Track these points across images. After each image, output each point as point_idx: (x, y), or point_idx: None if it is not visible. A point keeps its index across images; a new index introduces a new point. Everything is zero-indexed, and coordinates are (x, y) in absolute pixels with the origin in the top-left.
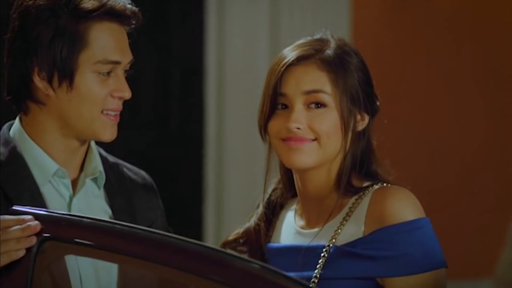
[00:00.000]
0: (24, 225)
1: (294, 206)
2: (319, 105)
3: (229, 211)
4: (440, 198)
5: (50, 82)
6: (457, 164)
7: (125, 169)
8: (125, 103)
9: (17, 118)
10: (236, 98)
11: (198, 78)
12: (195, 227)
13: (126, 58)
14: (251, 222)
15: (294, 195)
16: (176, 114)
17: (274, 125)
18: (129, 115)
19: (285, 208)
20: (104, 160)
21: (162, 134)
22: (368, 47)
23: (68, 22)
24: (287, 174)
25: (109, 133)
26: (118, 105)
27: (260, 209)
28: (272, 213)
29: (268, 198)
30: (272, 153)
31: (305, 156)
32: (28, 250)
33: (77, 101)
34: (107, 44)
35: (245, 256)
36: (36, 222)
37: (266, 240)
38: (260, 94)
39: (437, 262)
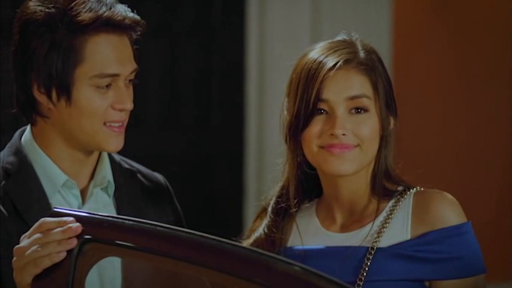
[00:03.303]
0: (65, 227)
1: (312, 210)
2: (360, 110)
3: None
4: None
5: (49, 96)
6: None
7: (138, 175)
8: (167, 105)
9: (28, 126)
10: (276, 99)
11: (238, 79)
12: (235, 228)
13: (126, 69)
14: (260, 231)
15: (307, 200)
16: (217, 115)
17: (314, 131)
18: (170, 116)
19: (299, 212)
20: (116, 167)
21: (203, 135)
22: (409, 47)
23: (63, 36)
24: (300, 179)
25: (114, 144)
26: (120, 116)
27: (269, 216)
28: (282, 219)
29: (275, 204)
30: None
31: (349, 163)
32: (69, 252)
33: (77, 115)
34: (103, 58)
35: (287, 259)
36: (77, 224)
37: (282, 245)
38: None
39: (482, 266)
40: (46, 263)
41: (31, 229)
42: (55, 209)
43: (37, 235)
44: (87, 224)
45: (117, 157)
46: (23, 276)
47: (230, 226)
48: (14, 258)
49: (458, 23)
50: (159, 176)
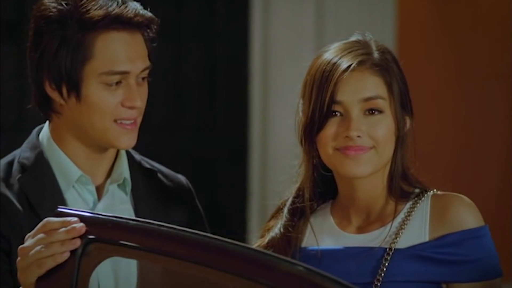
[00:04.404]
0: (69, 227)
1: (327, 211)
2: (375, 111)
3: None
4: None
5: (60, 93)
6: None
7: (159, 175)
8: (171, 105)
9: (46, 123)
10: (280, 99)
11: (242, 79)
12: (239, 228)
13: (136, 67)
14: (275, 231)
15: (321, 201)
16: (220, 115)
17: (329, 134)
18: (174, 116)
19: (314, 213)
20: (136, 166)
21: (207, 135)
22: (413, 47)
23: (73, 33)
24: (316, 180)
25: (125, 142)
26: (131, 114)
27: (285, 216)
28: (298, 220)
29: (291, 205)
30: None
31: (364, 165)
32: (73, 252)
33: (87, 111)
34: (113, 55)
35: (291, 259)
36: (81, 224)
37: (297, 245)
38: None
39: (499, 270)
40: (50, 263)
41: (35, 228)
42: (59, 209)
43: (41, 235)
44: (91, 224)
45: (138, 157)
46: (27, 276)
47: (234, 226)
48: (18, 258)
49: (461, 24)
50: (181, 177)
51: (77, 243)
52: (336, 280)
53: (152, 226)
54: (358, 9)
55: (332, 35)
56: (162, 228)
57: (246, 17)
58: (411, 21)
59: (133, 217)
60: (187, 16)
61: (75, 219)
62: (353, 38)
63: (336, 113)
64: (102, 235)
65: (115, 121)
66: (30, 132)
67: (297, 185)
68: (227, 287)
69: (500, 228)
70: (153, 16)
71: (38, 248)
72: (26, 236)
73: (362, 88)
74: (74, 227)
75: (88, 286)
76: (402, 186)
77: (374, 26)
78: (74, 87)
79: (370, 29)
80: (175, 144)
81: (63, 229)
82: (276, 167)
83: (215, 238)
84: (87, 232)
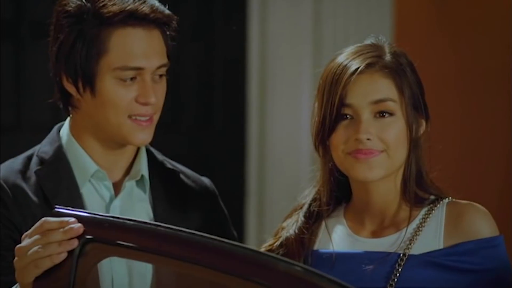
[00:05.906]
0: (66, 228)
1: (340, 214)
2: (385, 114)
3: (270, 212)
4: None
5: (76, 87)
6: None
7: (182, 176)
8: (168, 105)
9: (68, 118)
10: (278, 100)
11: (240, 79)
12: (236, 229)
13: (151, 63)
14: (290, 232)
15: (337, 204)
16: (218, 116)
17: (339, 137)
18: (171, 117)
19: (329, 217)
20: (157, 166)
21: (204, 136)
22: (411, 48)
23: (89, 27)
24: (333, 184)
25: (140, 138)
26: (146, 110)
27: (301, 219)
28: (313, 222)
29: (308, 208)
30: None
31: (376, 169)
32: (71, 252)
33: (102, 106)
34: (127, 51)
35: (288, 259)
36: (79, 224)
37: (310, 247)
38: (304, 95)
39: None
40: (47, 264)
41: (32, 228)
42: (57, 209)
43: (38, 236)
44: (89, 224)
45: (160, 157)
46: (25, 276)
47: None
48: (16, 258)
49: (460, 24)
50: (205, 180)
51: (75, 243)
52: (334, 280)
53: (149, 226)
54: (356, 10)
55: (329, 35)
56: (160, 228)
57: (243, 18)
58: (408, 22)
59: (133, 218)
60: (184, 16)
61: (73, 219)
62: (367, 42)
63: (347, 116)
64: (100, 235)
65: (130, 117)
66: (29, 133)
67: (315, 189)
68: (225, 287)
69: (500, 229)
70: (171, 14)
71: (35, 248)
72: (23, 236)
73: (372, 91)
74: (72, 228)
75: (86, 286)
76: (417, 192)
77: (371, 27)
78: (89, 81)
79: (368, 29)
80: (172, 145)
81: (61, 229)
82: (273, 167)
83: (213, 239)
84: (84, 232)
